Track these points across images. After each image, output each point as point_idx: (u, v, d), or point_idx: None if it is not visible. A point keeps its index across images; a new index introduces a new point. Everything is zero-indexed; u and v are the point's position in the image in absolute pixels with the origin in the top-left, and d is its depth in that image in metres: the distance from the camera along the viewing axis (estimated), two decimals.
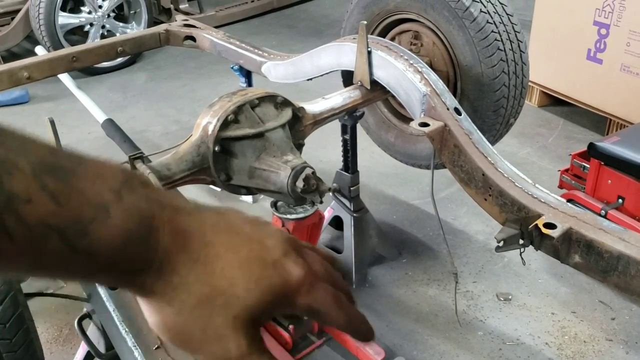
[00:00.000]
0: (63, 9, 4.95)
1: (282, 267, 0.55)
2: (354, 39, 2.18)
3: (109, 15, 5.23)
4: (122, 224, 0.48)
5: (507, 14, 2.24)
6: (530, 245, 1.69)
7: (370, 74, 2.14)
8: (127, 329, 1.24)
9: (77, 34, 5.28)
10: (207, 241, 0.53)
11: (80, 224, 0.45)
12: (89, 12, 5.14)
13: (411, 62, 2.07)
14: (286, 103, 1.79)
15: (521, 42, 2.27)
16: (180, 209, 0.53)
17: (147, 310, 0.53)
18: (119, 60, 4.96)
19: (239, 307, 0.52)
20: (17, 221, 0.43)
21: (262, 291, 0.53)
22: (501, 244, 1.69)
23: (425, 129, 1.89)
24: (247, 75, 2.95)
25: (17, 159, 0.44)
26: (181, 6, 6.19)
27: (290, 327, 2.20)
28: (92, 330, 1.63)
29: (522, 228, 1.70)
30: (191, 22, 3.05)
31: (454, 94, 2.28)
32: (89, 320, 1.67)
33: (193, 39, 2.95)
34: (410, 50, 2.31)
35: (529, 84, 2.40)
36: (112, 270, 0.49)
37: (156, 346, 1.19)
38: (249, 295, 0.52)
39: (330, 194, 2.63)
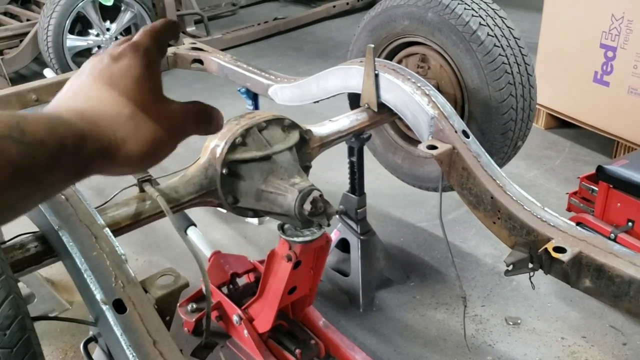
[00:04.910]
0: (71, 31, 4.99)
1: (120, 63, 0.68)
2: (360, 62, 2.19)
3: (116, 38, 5.27)
4: (36, 117, 0.58)
5: (515, 37, 2.24)
6: (540, 269, 1.68)
7: (378, 96, 2.14)
8: (134, 354, 1.22)
9: (85, 56, 5.31)
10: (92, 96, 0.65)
11: (13, 127, 0.54)
12: (97, 35, 5.18)
13: (419, 84, 2.08)
14: (293, 126, 1.79)
15: (528, 65, 2.27)
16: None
17: (118, 163, 0.64)
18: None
19: (151, 96, 0.67)
20: None
21: (135, 79, 0.67)
22: (510, 267, 1.68)
23: (433, 152, 1.89)
24: (254, 97, 2.95)
25: None
26: (188, 29, 6.24)
27: (297, 351, 2.18)
28: (97, 354, 1.62)
29: (532, 252, 1.69)
30: (199, 45, 3.07)
31: (462, 117, 2.28)
32: (94, 344, 1.66)
33: (200, 61, 2.97)
34: (418, 73, 2.31)
35: (536, 106, 2.40)
36: (67, 151, 0.58)
37: None
38: (142, 81, 0.67)
39: (337, 216, 2.63)
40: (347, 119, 2.15)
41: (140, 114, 0.65)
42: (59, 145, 0.57)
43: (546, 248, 1.59)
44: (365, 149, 2.58)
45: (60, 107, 0.64)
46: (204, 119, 0.73)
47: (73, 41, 5.04)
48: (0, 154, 0.53)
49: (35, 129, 0.56)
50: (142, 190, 1.64)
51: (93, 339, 1.58)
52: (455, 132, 1.95)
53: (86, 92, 0.65)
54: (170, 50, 2.98)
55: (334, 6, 7.00)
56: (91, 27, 5.18)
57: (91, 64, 0.69)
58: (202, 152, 1.70)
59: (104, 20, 5.18)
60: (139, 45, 0.69)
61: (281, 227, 1.91)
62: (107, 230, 1.48)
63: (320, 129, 2.02)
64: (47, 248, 1.47)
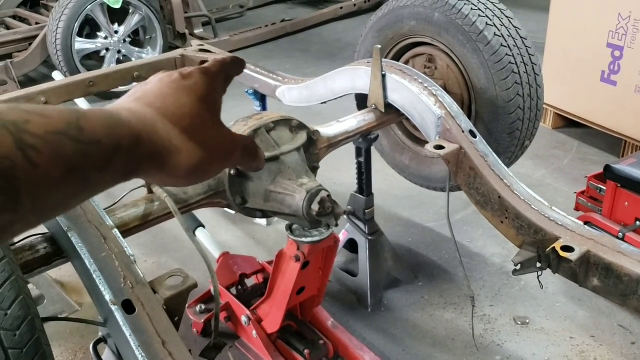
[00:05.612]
0: (80, 34, 5.02)
1: (188, 81, 0.70)
2: (368, 62, 2.19)
3: (124, 41, 5.29)
4: (96, 114, 0.58)
5: (521, 37, 2.24)
6: (548, 269, 1.68)
7: (385, 97, 2.14)
8: (143, 354, 1.23)
9: (94, 59, 5.34)
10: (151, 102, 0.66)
11: (72, 124, 0.54)
12: (105, 38, 5.21)
13: (425, 85, 2.08)
14: (301, 126, 1.79)
15: (535, 65, 2.27)
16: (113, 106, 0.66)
17: (174, 175, 0.66)
18: (135, 84, 5.00)
19: (208, 118, 0.69)
20: (33, 137, 0.51)
21: (199, 97, 0.69)
22: (518, 267, 1.68)
23: (441, 152, 1.89)
24: (262, 99, 2.96)
25: None
26: (196, 31, 6.26)
27: (306, 351, 2.19)
28: (107, 355, 1.62)
29: (540, 251, 1.68)
30: (206, 47, 3.08)
31: (469, 117, 2.28)
32: (103, 345, 1.67)
33: None
34: (425, 73, 2.31)
35: (543, 106, 2.40)
36: (121, 152, 0.58)
37: None
38: (201, 103, 0.69)
39: (345, 216, 2.63)
40: (355, 120, 2.16)
41: (196, 130, 0.67)
42: (114, 146, 0.58)
43: (554, 247, 1.59)
44: (373, 149, 2.58)
45: (120, 108, 0.64)
46: (251, 153, 0.77)
47: (81, 44, 5.06)
48: (56, 151, 0.52)
49: (93, 127, 0.56)
50: (150, 191, 1.65)
51: (102, 340, 1.59)
52: (463, 132, 1.96)
53: (149, 99, 0.67)
54: (178, 53, 2.99)
55: (341, 7, 7.02)
56: (99, 30, 5.20)
57: (160, 77, 0.70)
58: None
59: (112, 23, 5.20)
60: (209, 70, 0.72)
61: (289, 228, 1.91)
62: (116, 232, 1.49)
63: (328, 130, 2.02)
64: (56, 249, 1.48)
